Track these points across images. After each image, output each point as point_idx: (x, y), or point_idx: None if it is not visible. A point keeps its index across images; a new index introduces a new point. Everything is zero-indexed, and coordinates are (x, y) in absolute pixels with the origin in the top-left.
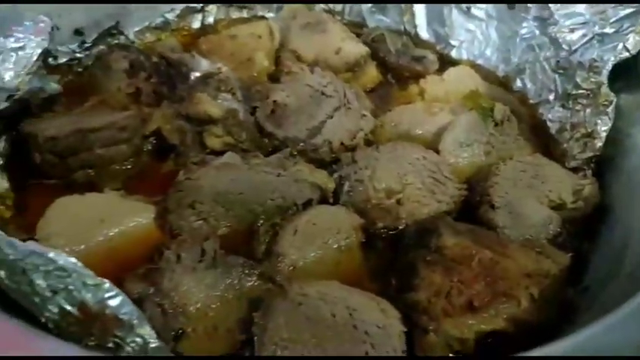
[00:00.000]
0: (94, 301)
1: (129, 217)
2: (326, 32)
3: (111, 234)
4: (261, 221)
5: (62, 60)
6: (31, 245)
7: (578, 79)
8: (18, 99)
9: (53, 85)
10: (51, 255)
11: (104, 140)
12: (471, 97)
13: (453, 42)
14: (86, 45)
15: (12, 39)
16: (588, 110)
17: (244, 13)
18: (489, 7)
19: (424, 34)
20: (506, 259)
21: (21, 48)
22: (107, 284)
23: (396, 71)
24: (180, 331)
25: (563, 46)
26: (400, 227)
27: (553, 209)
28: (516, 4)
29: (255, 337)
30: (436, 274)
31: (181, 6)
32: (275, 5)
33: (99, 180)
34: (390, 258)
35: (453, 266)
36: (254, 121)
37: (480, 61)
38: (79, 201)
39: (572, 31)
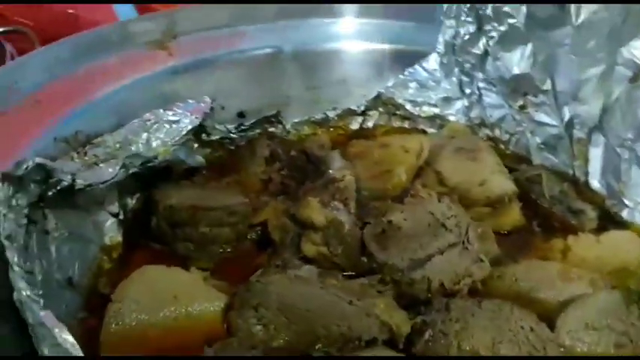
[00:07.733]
0: None
1: (199, 301)
2: (477, 161)
3: (178, 313)
4: (319, 345)
5: (215, 137)
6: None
7: None
8: (156, 166)
9: (198, 159)
10: (55, 331)
11: (211, 220)
12: (621, 272)
13: (627, 201)
14: (243, 127)
15: (170, 112)
16: None
17: (405, 124)
18: None
19: (595, 183)
20: None
21: (175, 122)
22: None
23: (544, 219)
24: None
25: None
26: None
27: None
28: None
29: None
30: None
31: (344, 106)
32: (438, 121)
33: (196, 256)
34: None
35: None
36: (360, 236)
37: None
38: (162, 273)
39: None
